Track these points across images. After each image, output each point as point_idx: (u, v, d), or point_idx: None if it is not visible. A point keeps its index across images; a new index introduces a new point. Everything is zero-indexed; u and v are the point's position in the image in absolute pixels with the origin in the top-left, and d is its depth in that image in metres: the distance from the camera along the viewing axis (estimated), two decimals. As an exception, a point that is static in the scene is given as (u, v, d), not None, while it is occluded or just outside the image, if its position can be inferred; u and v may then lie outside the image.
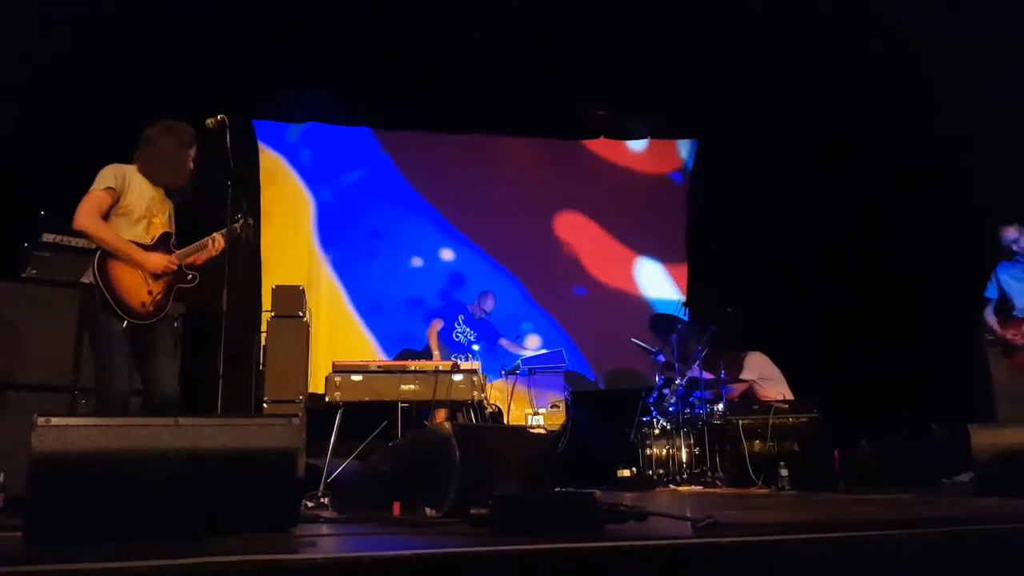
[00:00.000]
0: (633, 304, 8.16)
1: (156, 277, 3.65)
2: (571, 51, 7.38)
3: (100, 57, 6.18)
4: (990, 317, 5.82)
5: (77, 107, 5.98)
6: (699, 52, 7.46)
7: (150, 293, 3.62)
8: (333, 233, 7.69)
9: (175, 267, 3.71)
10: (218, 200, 3.89)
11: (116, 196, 3.60)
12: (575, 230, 8.28)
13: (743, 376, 6.64)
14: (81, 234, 3.77)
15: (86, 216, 3.52)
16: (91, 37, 6.08)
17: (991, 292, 5.88)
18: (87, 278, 3.58)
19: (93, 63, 6.14)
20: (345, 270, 7.68)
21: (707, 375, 6.46)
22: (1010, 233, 5.79)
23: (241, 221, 3.91)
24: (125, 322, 3.50)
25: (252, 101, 7.24)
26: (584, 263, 8.25)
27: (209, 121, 3.81)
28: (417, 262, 7.89)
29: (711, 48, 7.43)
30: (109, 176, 3.61)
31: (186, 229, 3.98)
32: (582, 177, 8.40)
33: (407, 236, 7.89)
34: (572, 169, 8.40)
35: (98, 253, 3.54)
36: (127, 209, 3.63)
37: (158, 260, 3.65)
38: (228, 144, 3.77)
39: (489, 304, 6.95)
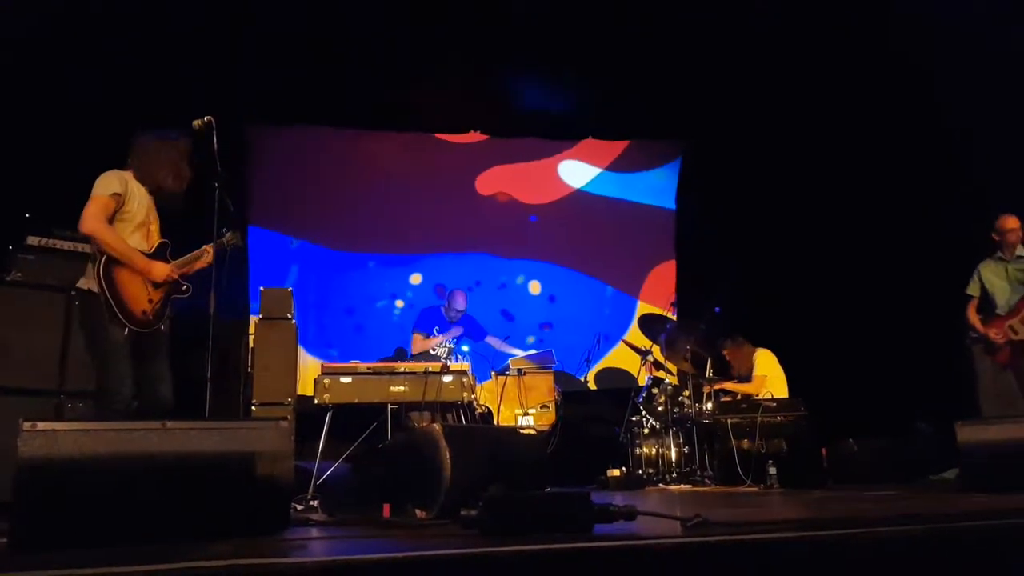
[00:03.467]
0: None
1: (156, 286, 3.67)
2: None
3: (83, 59, 6.14)
4: (971, 315, 5.85)
5: (61, 109, 5.93)
6: (682, 51, 7.49)
7: (150, 301, 3.65)
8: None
9: (176, 276, 3.75)
10: (205, 201, 3.87)
11: (120, 202, 3.60)
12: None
13: (757, 373, 6.64)
14: (73, 237, 3.78)
15: (94, 219, 3.50)
16: (73, 39, 6.04)
17: (972, 289, 5.91)
18: (87, 284, 3.58)
19: (76, 65, 6.10)
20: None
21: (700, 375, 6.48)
22: (1008, 223, 5.77)
23: (228, 235, 3.93)
24: (127, 329, 3.51)
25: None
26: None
27: (196, 122, 3.78)
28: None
29: (695, 48, 7.46)
30: (114, 182, 3.61)
31: (170, 230, 4.02)
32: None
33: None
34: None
35: (103, 259, 3.53)
36: (129, 216, 3.65)
37: (161, 268, 3.69)
38: (215, 145, 3.74)
39: (460, 303, 6.82)
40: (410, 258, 8.14)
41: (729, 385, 6.60)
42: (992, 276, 5.83)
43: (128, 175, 3.71)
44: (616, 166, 8.83)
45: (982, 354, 6.07)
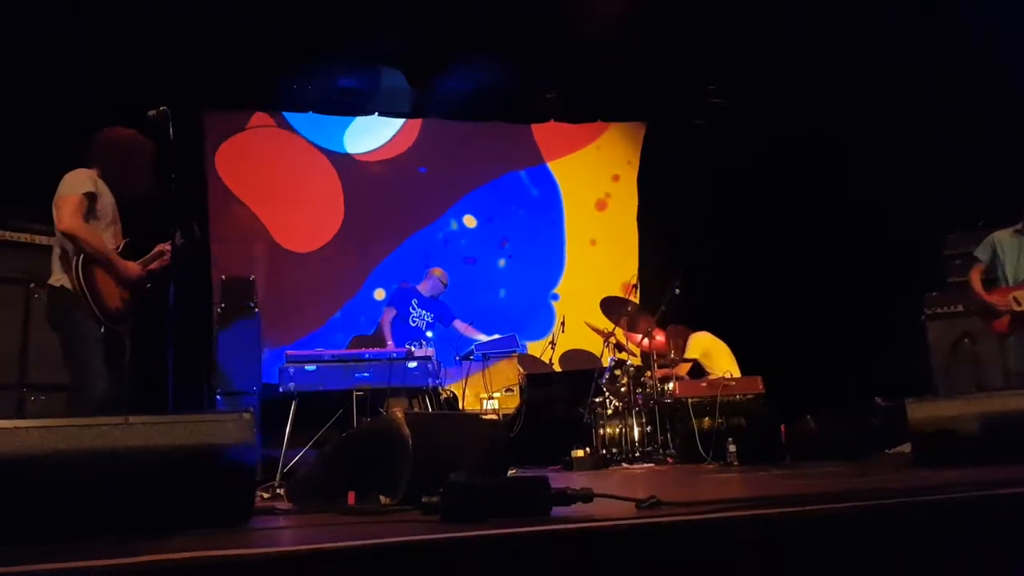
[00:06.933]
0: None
1: (126, 284, 3.69)
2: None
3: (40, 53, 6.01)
4: (975, 280, 5.67)
5: (17, 102, 5.81)
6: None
7: (122, 299, 3.67)
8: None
9: (144, 274, 3.79)
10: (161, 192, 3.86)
11: (93, 201, 3.60)
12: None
13: (687, 356, 6.79)
14: (31, 229, 3.78)
15: (73, 218, 3.49)
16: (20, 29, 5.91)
17: (982, 254, 5.70)
18: (59, 281, 3.57)
19: (33, 58, 5.98)
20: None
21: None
22: None
23: (177, 235, 3.90)
24: (103, 327, 3.55)
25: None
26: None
27: (151, 113, 3.76)
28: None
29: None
30: (87, 181, 3.60)
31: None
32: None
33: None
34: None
35: (81, 257, 3.51)
36: (99, 214, 3.65)
37: (134, 267, 3.74)
38: (171, 136, 3.73)
39: (445, 276, 6.95)
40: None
41: (660, 372, 6.66)
42: (1008, 247, 5.62)
43: (94, 173, 3.69)
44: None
45: (939, 330, 6.18)
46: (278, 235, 7.94)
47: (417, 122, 8.49)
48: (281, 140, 8.13)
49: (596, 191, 8.95)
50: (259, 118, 8.05)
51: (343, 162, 8.28)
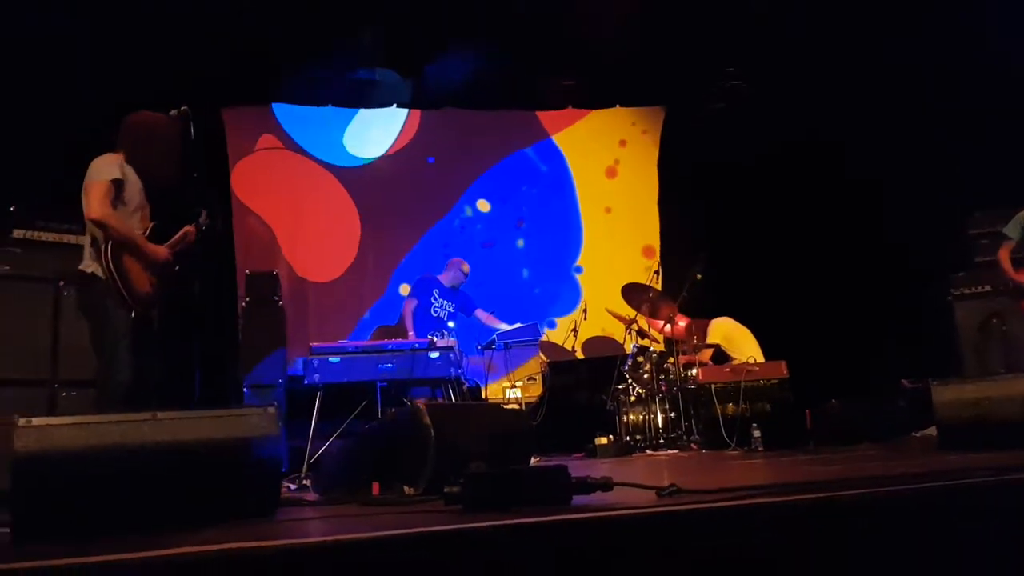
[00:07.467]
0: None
1: (155, 269, 3.67)
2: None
3: (62, 51, 6.09)
4: (1005, 257, 5.62)
5: (42, 103, 5.89)
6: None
7: (151, 283, 3.65)
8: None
9: (172, 257, 3.76)
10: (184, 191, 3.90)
11: (120, 187, 3.58)
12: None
13: (708, 341, 6.78)
14: (59, 228, 3.80)
15: (101, 205, 3.48)
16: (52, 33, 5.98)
17: (1012, 231, 5.62)
18: (89, 268, 3.56)
19: (56, 57, 6.06)
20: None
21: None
22: None
23: (203, 215, 3.92)
24: (133, 313, 3.52)
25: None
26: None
27: (172, 112, 3.81)
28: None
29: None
30: (114, 167, 3.58)
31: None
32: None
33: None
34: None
35: (110, 244, 3.49)
36: (127, 200, 3.63)
37: (162, 250, 3.71)
38: (192, 136, 3.77)
39: (466, 266, 6.95)
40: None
41: (683, 358, 6.66)
42: None
43: (120, 158, 3.67)
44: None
45: (966, 311, 6.10)
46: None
47: (417, 115, 8.44)
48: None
49: (604, 159, 8.89)
50: (266, 140, 8.01)
51: (352, 176, 8.23)
